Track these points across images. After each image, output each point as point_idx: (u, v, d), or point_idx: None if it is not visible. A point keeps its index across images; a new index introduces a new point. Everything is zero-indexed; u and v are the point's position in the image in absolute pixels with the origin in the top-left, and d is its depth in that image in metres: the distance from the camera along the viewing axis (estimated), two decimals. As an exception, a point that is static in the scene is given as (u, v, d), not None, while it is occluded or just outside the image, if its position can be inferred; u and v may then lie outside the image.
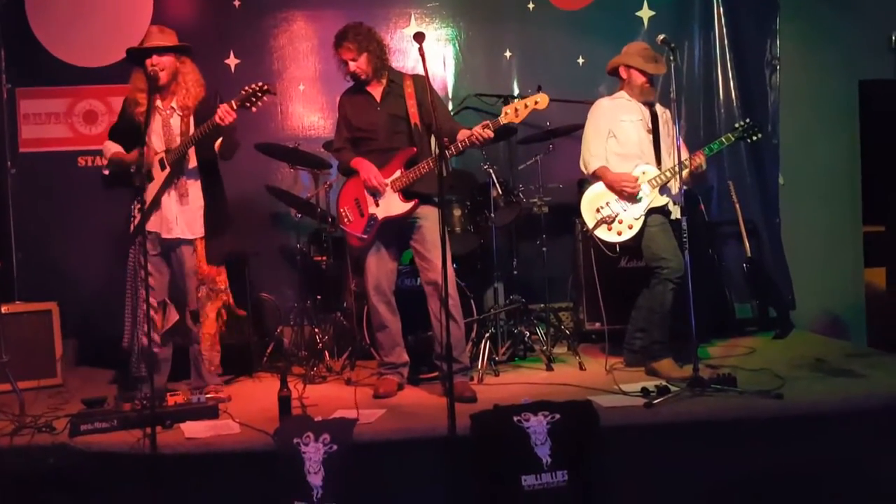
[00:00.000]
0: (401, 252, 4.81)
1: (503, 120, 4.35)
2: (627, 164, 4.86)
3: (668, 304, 4.78)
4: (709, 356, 5.20)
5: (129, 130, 4.52)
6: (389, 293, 4.68)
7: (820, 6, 6.36)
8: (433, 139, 4.64)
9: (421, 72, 4.22)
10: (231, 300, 4.74)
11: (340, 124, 4.79)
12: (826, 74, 6.38)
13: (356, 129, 4.68)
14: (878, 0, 6.33)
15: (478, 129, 4.32)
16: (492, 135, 4.34)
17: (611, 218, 4.80)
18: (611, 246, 4.84)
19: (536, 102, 4.30)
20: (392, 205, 4.55)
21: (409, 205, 4.52)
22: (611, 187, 4.83)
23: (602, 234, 4.82)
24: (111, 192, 4.69)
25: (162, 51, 4.45)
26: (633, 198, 4.79)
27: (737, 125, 4.96)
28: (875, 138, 6.39)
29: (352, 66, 4.59)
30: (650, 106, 4.96)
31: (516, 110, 4.31)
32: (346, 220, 4.67)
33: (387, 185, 4.53)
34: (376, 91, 4.67)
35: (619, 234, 4.80)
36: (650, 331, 4.86)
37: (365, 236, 4.60)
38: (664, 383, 4.31)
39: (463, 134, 4.38)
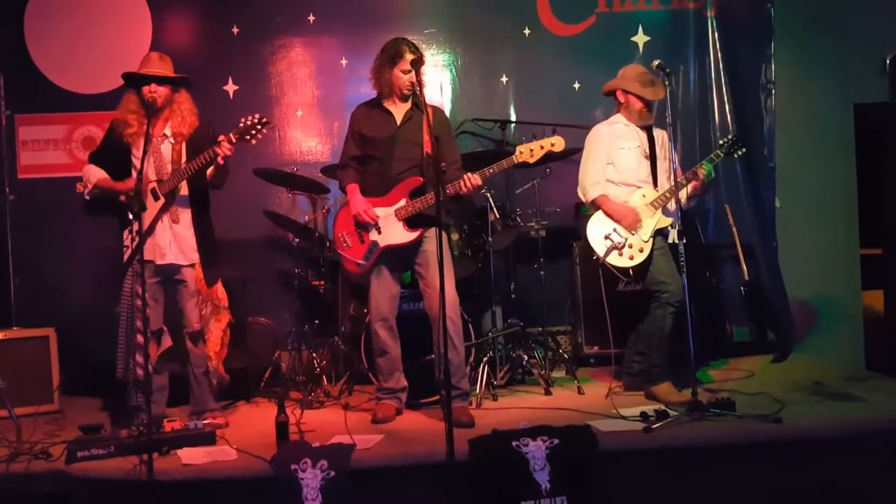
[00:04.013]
0: (402, 275, 4.81)
1: (518, 159, 4.41)
2: (623, 190, 4.88)
3: (667, 328, 4.78)
4: (708, 380, 5.19)
5: (114, 153, 4.53)
6: (392, 318, 4.66)
7: (814, 30, 6.39)
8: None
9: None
10: (232, 319, 4.74)
11: (349, 140, 4.71)
12: (821, 98, 6.40)
13: (369, 144, 4.61)
14: (872, 23, 6.35)
15: (465, 179, 4.35)
16: (479, 183, 4.38)
17: (621, 244, 4.79)
18: (624, 271, 4.83)
19: (553, 145, 4.39)
20: (395, 233, 4.53)
21: (414, 234, 4.52)
22: (610, 217, 4.84)
23: (614, 260, 4.80)
24: (108, 219, 4.67)
25: (162, 81, 4.47)
26: (636, 228, 4.79)
27: (721, 141, 5.02)
28: (871, 161, 6.41)
29: (413, 76, 4.46)
30: (647, 129, 4.99)
31: (531, 151, 4.38)
32: (344, 244, 4.65)
33: (379, 217, 4.51)
34: (397, 111, 4.62)
35: (632, 258, 4.79)
36: (649, 354, 4.85)
37: (364, 262, 4.58)
38: (663, 408, 4.31)
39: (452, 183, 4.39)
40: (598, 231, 4.86)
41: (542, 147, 4.38)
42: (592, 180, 4.91)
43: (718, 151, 4.93)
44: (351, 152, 4.69)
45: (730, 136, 5.02)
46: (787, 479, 3.85)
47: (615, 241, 4.81)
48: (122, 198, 4.45)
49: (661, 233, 4.87)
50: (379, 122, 4.63)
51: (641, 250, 4.79)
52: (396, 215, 4.52)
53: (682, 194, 4.77)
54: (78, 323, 5.69)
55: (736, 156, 4.96)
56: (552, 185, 5.73)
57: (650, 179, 4.92)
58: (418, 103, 4.62)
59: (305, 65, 6.31)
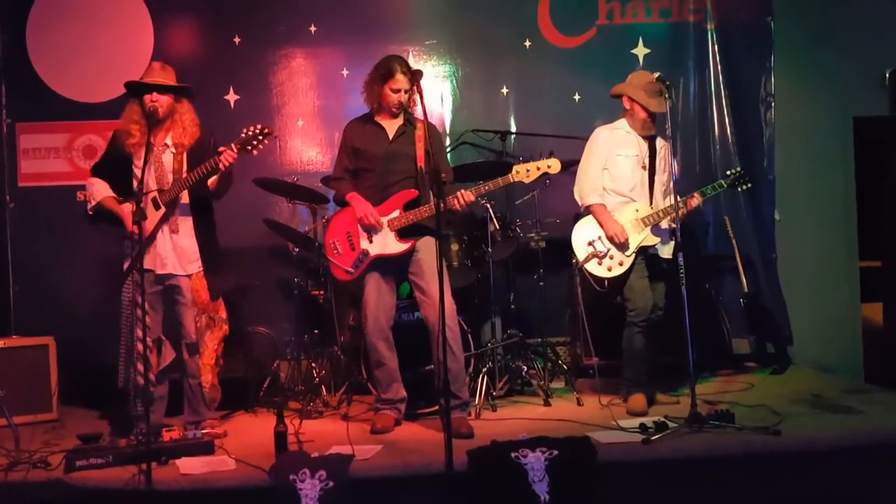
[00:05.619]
0: (399, 286, 4.81)
1: (514, 178, 4.44)
2: (614, 199, 4.89)
3: (635, 346, 4.82)
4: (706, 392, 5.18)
5: (116, 164, 4.54)
6: (388, 329, 4.66)
7: (814, 43, 6.42)
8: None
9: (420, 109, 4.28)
10: (228, 332, 4.74)
11: (342, 153, 4.76)
12: (820, 111, 6.43)
13: (362, 157, 4.65)
14: (872, 37, 6.39)
15: (459, 196, 4.40)
16: (472, 199, 4.43)
17: (602, 253, 4.81)
18: (599, 280, 4.84)
19: (549, 167, 4.44)
20: (387, 243, 4.56)
21: (405, 246, 4.54)
22: (601, 227, 4.85)
23: (592, 268, 4.82)
24: (109, 228, 4.68)
25: (163, 90, 4.48)
26: (622, 246, 4.80)
27: (728, 172, 5.09)
28: (870, 174, 6.43)
29: (402, 96, 4.56)
30: (650, 139, 4.98)
31: (528, 171, 4.42)
32: (334, 251, 4.67)
33: (384, 223, 4.54)
34: (390, 126, 4.66)
35: (610, 269, 4.81)
36: (626, 368, 4.89)
37: (353, 270, 4.60)
38: (662, 419, 4.30)
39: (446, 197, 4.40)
40: (584, 235, 4.88)
41: (538, 168, 4.42)
42: (591, 186, 4.90)
43: (722, 181, 4.97)
44: (344, 164, 4.73)
45: (736, 169, 5.08)
46: (785, 491, 3.85)
47: (597, 249, 4.82)
48: (127, 224, 4.42)
49: (643, 251, 4.87)
50: (372, 136, 4.67)
51: (621, 264, 4.80)
52: (389, 226, 4.55)
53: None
54: (77, 332, 5.69)
55: (740, 190, 5.01)
56: (552, 196, 5.73)
57: (645, 192, 4.91)
58: (410, 119, 4.68)
59: (306, 75, 6.32)
